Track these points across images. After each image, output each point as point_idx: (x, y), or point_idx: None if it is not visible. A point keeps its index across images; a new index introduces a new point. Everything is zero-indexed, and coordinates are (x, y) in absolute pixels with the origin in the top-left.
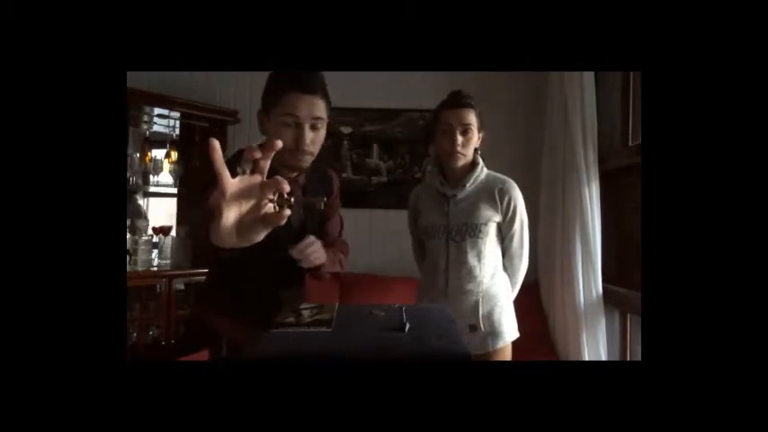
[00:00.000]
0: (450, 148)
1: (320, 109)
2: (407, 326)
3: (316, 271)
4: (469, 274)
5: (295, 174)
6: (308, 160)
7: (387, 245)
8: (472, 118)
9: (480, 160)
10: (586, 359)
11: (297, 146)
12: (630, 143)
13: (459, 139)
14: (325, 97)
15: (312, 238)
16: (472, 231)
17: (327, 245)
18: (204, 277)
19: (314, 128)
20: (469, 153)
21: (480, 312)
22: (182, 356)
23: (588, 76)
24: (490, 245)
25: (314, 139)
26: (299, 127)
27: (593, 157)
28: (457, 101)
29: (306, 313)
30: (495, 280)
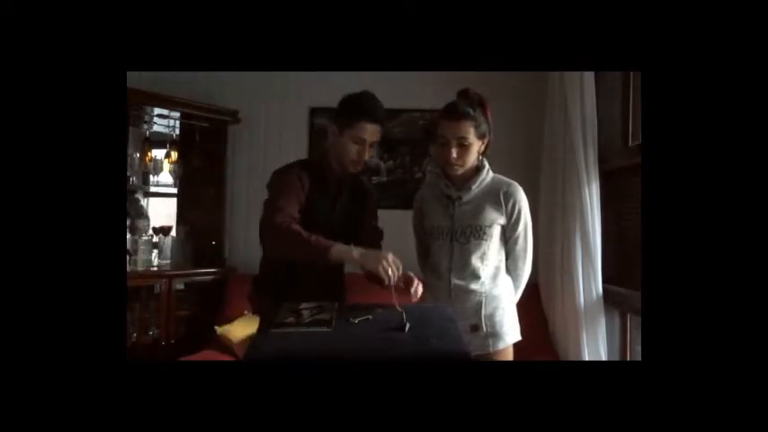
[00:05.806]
0: (445, 160)
1: (379, 134)
2: (407, 326)
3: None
4: (473, 275)
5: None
6: (358, 170)
7: (387, 245)
8: (468, 130)
9: (486, 164)
10: (586, 359)
11: (359, 159)
12: (630, 143)
13: (455, 151)
14: (384, 125)
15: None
16: (477, 233)
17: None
18: (205, 277)
19: (371, 147)
20: (468, 162)
21: (483, 313)
22: (182, 356)
23: (588, 76)
24: (494, 247)
25: (366, 156)
26: (363, 148)
27: (593, 157)
28: (452, 111)
29: (306, 313)
30: (498, 281)
